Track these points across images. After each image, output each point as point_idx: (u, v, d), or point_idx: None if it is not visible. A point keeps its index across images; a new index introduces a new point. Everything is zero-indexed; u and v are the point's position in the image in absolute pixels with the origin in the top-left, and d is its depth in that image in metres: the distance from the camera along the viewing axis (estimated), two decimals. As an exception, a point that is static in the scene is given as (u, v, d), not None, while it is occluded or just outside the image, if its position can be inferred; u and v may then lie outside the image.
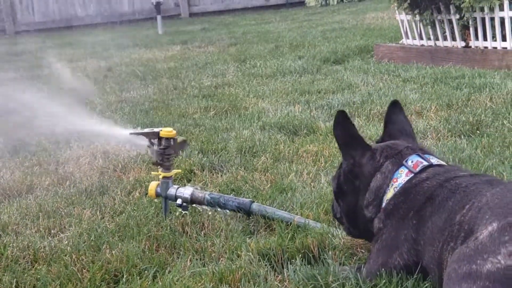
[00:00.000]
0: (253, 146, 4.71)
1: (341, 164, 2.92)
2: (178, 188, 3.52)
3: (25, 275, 3.01)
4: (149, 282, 2.85)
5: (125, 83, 8.33)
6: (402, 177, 2.70)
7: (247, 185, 3.92)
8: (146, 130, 3.55)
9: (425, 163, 2.72)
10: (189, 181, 4.17)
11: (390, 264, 2.57)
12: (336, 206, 2.99)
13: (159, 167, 3.55)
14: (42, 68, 10.32)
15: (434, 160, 2.75)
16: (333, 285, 2.63)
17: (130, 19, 17.09)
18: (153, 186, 3.58)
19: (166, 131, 3.49)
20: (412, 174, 2.68)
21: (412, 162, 2.72)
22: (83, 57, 11.37)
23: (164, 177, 3.54)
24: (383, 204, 2.70)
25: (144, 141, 3.56)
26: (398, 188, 2.68)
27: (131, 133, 3.59)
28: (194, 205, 3.53)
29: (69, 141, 5.29)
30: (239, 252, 3.03)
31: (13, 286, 2.92)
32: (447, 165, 2.79)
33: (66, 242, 3.32)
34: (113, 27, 16.66)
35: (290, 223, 3.22)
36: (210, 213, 3.50)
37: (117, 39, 13.77)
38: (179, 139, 3.57)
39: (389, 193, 2.69)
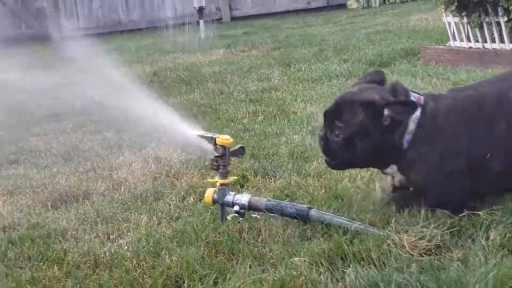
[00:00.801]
0: (305, 151, 4.72)
1: None
2: (235, 194, 3.55)
3: (87, 280, 3.06)
4: (211, 288, 2.88)
5: (171, 88, 8.38)
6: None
7: (301, 190, 3.93)
8: (210, 134, 3.58)
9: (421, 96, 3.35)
10: (242, 187, 4.19)
11: None
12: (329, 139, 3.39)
13: (216, 174, 3.58)
14: (89, 73, 10.42)
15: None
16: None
17: (173, 23, 17.18)
18: (210, 193, 3.60)
19: (222, 138, 3.52)
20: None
21: (414, 98, 3.30)
22: (128, 62, 11.46)
23: (221, 184, 3.56)
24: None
25: (209, 145, 3.58)
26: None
27: (198, 135, 3.62)
28: (250, 211, 3.55)
29: (121, 147, 5.35)
30: (297, 258, 3.04)
31: (77, 291, 2.98)
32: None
33: (126, 247, 3.36)
34: (156, 32, 16.76)
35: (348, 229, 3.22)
36: (266, 219, 3.52)
37: (161, 44, 13.85)
38: (237, 146, 3.60)
39: (411, 126, 3.27)
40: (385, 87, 3.39)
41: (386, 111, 3.21)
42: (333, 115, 3.36)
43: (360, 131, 3.27)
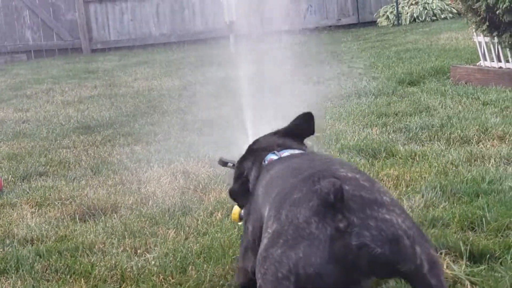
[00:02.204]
0: (333, 169, 4.70)
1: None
2: (262, 212, 3.54)
3: (114, 295, 3.07)
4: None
5: (201, 101, 8.40)
6: None
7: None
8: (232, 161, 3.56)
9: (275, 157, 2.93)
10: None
11: None
12: None
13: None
14: (118, 86, 10.51)
15: (286, 153, 2.94)
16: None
17: (203, 38, 17.27)
18: (236, 210, 3.59)
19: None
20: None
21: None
22: (158, 75, 11.52)
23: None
24: None
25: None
26: None
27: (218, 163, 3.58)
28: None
29: (150, 161, 5.38)
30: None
31: (103, 305, 2.98)
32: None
33: (153, 262, 3.37)
34: (187, 46, 16.86)
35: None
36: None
37: (190, 58, 13.92)
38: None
39: None
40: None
41: None
42: None
43: None
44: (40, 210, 4.46)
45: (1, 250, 3.76)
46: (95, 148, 6.19)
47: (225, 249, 3.42)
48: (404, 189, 4.17)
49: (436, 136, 5.40)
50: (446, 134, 5.39)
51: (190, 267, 3.27)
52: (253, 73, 10.47)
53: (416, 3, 17.45)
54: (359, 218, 2.17)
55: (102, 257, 3.52)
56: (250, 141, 3.26)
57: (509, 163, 4.50)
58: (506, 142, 5.02)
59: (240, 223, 3.65)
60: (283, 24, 18.43)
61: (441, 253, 3.12)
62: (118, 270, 3.31)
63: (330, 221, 2.17)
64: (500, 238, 3.28)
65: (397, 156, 4.93)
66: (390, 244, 2.15)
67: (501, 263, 2.99)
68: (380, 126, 5.98)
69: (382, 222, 2.18)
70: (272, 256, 2.20)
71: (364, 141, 5.39)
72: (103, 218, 4.18)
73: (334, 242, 2.15)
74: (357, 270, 2.17)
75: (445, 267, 2.97)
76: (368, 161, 4.90)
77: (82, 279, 3.25)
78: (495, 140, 5.09)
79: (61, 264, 3.45)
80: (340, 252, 2.15)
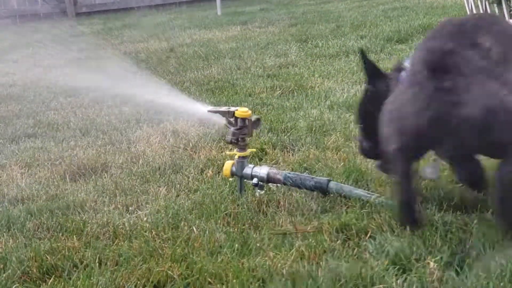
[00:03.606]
0: (323, 125, 4.71)
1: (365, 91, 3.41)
2: (253, 167, 3.54)
3: (107, 250, 3.06)
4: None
5: (188, 63, 8.36)
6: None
7: (319, 163, 3.92)
8: (223, 108, 3.57)
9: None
10: (260, 160, 4.18)
11: None
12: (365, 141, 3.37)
13: (234, 146, 3.57)
14: (105, 49, 10.44)
15: None
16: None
17: (189, 0, 17.14)
18: (228, 165, 3.59)
19: (241, 111, 3.51)
20: None
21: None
22: (144, 38, 11.44)
23: (240, 157, 3.55)
24: None
25: (221, 119, 3.58)
26: None
27: (209, 111, 3.62)
28: (270, 184, 3.54)
29: (139, 121, 5.35)
30: (317, 229, 3.04)
31: (96, 261, 2.97)
32: None
33: (145, 219, 3.37)
34: (172, 8, 16.72)
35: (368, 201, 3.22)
36: (285, 191, 3.51)
37: (177, 20, 13.81)
38: (253, 118, 3.58)
39: None
40: None
41: None
42: None
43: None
44: (30, 171, 4.44)
45: (-9, 210, 3.75)
46: (83, 109, 6.15)
47: (217, 204, 3.42)
48: (394, 143, 4.16)
49: (425, 92, 5.39)
50: (435, 89, 5.38)
51: (182, 223, 3.26)
52: (238, 34, 10.44)
53: (403, -38, 17.32)
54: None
55: (94, 215, 3.51)
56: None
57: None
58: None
59: (231, 179, 3.66)
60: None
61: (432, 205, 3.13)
62: (111, 227, 3.30)
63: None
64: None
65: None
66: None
67: (492, 212, 3.00)
68: (369, 83, 5.96)
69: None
70: None
71: (354, 97, 5.37)
72: (93, 177, 4.16)
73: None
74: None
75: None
76: (358, 117, 4.89)
77: (74, 236, 3.24)
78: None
79: (52, 222, 3.43)
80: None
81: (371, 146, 3.30)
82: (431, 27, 8.68)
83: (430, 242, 2.75)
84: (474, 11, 8.09)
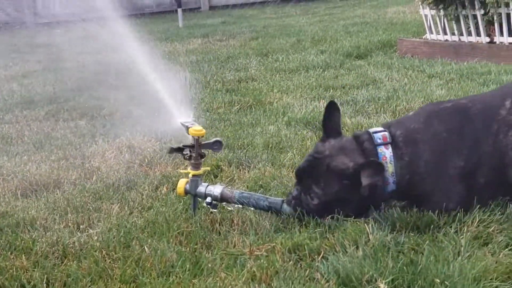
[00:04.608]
0: (280, 142, 4.69)
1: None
2: (207, 186, 3.50)
3: (56, 271, 3.00)
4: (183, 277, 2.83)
5: (148, 76, 8.29)
6: (386, 152, 3.23)
7: (275, 181, 3.89)
8: (183, 120, 3.54)
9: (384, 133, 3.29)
10: (216, 177, 4.15)
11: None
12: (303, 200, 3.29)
13: (188, 164, 3.54)
14: (64, 60, 10.34)
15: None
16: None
17: (151, 12, 17.10)
18: (182, 183, 3.55)
19: (194, 129, 3.47)
20: (389, 145, 3.25)
21: (379, 139, 3.26)
22: (105, 49, 11.35)
23: (193, 175, 3.51)
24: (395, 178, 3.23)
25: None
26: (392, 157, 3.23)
27: (181, 123, 3.59)
28: (224, 203, 3.51)
29: (95, 135, 5.29)
30: (270, 250, 3.02)
31: (44, 282, 2.91)
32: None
33: (96, 237, 3.31)
34: (134, 20, 16.65)
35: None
36: (239, 210, 3.48)
37: (138, 32, 13.73)
38: (212, 140, 3.54)
39: (390, 167, 3.21)
40: (350, 140, 3.34)
41: (363, 182, 3.14)
42: (306, 175, 3.31)
43: (339, 199, 3.22)
44: (-20, 186, 4.35)
45: None
46: (38, 123, 6.06)
47: (170, 223, 3.37)
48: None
49: (382, 109, 5.41)
50: (392, 107, 5.41)
51: (134, 241, 3.21)
52: (199, 47, 10.41)
53: (364, -23, 17.48)
54: None
55: (44, 233, 3.44)
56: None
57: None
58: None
59: (185, 197, 3.62)
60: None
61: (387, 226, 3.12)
62: (60, 245, 3.24)
63: None
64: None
65: (344, 128, 4.92)
66: None
67: (444, 233, 3.00)
68: (328, 99, 5.96)
69: None
70: None
71: (312, 113, 5.38)
72: (45, 193, 4.08)
73: None
74: None
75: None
76: (315, 133, 4.89)
77: (23, 255, 3.17)
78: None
79: (1, 240, 3.36)
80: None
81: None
82: (390, 43, 8.77)
83: (381, 263, 2.74)
84: (433, 28, 8.16)
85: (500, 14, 7.17)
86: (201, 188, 3.49)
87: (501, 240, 2.91)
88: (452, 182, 3.18)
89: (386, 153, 3.22)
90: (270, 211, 3.38)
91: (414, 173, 3.22)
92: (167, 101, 3.95)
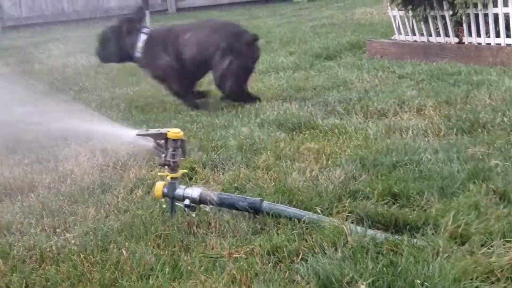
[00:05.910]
0: (253, 144, 4.70)
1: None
2: (185, 188, 3.50)
3: (34, 275, 2.99)
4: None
5: (118, 79, 8.28)
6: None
7: (250, 183, 3.90)
8: (153, 130, 3.52)
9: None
10: (191, 179, 4.15)
11: None
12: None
13: (166, 168, 3.53)
14: (31, 63, 10.26)
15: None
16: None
17: (117, 14, 16.99)
18: (159, 186, 3.54)
19: (173, 132, 3.47)
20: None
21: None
22: (71, 52, 11.29)
23: (171, 178, 3.51)
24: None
25: (150, 142, 3.53)
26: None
27: (137, 134, 3.57)
28: (202, 205, 3.51)
29: (67, 138, 5.26)
30: (249, 252, 3.02)
31: (23, 286, 2.90)
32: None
33: (73, 241, 3.29)
34: (100, 22, 16.56)
35: (303, 220, 3.21)
36: (216, 211, 3.49)
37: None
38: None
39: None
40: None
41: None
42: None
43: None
44: (-48, 192, 4.31)
45: None
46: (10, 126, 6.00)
47: (147, 226, 3.37)
48: (324, 162, 4.19)
49: (354, 110, 5.44)
50: (364, 108, 5.44)
51: (112, 245, 3.21)
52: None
53: (331, -22, 17.55)
54: None
55: (20, 237, 3.42)
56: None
57: (427, 135, 4.57)
58: (422, 115, 5.10)
59: (162, 200, 3.61)
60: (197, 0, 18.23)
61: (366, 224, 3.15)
62: (37, 250, 3.22)
63: None
64: (421, 210, 3.33)
65: (316, 130, 4.95)
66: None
67: (422, 234, 3.03)
68: (299, 101, 6.00)
69: None
70: None
71: (284, 115, 5.40)
72: (19, 197, 4.06)
73: None
74: None
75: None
76: (288, 135, 4.91)
77: (0, 260, 3.15)
78: (412, 113, 5.16)
79: (-23, 246, 3.34)
80: None
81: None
82: (359, 44, 8.82)
83: (361, 264, 2.76)
84: (401, 29, 8.23)
85: (468, 15, 7.25)
86: (179, 191, 3.49)
87: (478, 239, 2.94)
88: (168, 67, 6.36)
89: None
90: (249, 211, 3.39)
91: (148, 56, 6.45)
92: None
